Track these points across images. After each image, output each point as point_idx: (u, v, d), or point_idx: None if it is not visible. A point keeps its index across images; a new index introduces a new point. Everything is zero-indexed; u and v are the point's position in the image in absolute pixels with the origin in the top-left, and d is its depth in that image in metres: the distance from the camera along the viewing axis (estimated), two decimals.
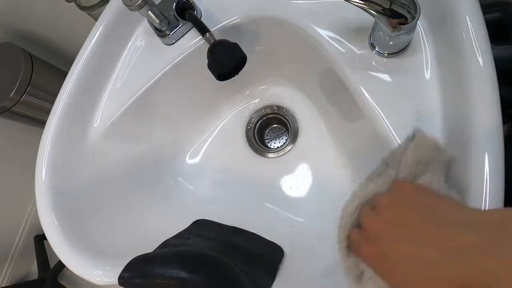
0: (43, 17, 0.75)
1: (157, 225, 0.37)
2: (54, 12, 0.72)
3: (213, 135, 0.47)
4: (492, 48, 0.25)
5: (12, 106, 0.76)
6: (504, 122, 0.23)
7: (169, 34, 0.36)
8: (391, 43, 0.28)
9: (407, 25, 0.24)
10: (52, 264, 0.96)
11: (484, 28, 0.25)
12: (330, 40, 0.32)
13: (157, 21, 0.35)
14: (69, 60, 0.37)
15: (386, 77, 0.29)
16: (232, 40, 0.39)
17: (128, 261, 0.28)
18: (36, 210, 0.31)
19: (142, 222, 0.37)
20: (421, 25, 0.30)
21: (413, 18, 0.24)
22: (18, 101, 0.76)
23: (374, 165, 0.33)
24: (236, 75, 0.33)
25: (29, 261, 1.03)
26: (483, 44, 0.25)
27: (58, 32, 0.80)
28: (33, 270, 1.04)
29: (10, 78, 0.74)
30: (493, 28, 0.26)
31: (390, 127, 0.28)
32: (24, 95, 0.76)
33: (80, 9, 0.50)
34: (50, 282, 0.92)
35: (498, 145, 0.22)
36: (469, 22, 0.25)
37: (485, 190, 0.21)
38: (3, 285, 0.96)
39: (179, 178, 0.45)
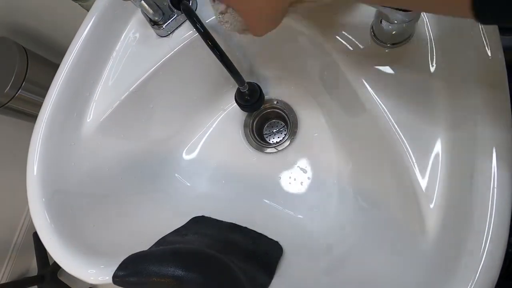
0: (36, 10, 0.73)
1: (152, 222, 0.36)
2: (47, 4, 0.71)
3: (210, 130, 0.46)
4: (501, 38, 0.24)
5: (8, 102, 0.75)
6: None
7: (164, 25, 0.35)
8: (394, 32, 0.27)
9: (411, 12, 0.23)
10: (51, 260, 0.96)
11: None
12: (331, 32, 0.31)
13: (151, 11, 0.34)
14: (64, 54, 0.36)
15: (388, 68, 0.28)
16: (230, 32, 0.37)
17: (123, 259, 0.28)
18: None
19: (138, 219, 0.36)
20: (425, 13, 0.28)
21: None
22: (14, 96, 0.75)
23: (376, 161, 0.32)
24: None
25: (28, 257, 1.04)
26: (492, 34, 0.24)
27: (52, 25, 0.78)
28: (32, 266, 1.04)
29: (5, 73, 0.73)
30: None
31: (393, 121, 0.27)
32: (20, 90, 0.75)
33: (73, 0, 0.48)
34: (50, 278, 0.92)
35: (507, 139, 0.21)
36: None
37: (492, 186, 0.20)
38: (3, 281, 0.96)
39: (176, 174, 0.44)
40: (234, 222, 0.38)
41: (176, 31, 0.36)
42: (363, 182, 0.36)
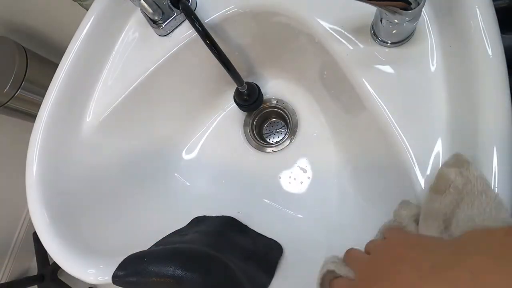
0: (36, 10, 0.73)
1: (152, 222, 0.36)
2: (46, 4, 0.71)
3: (210, 129, 0.46)
4: (501, 37, 0.24)
5: (7, 102, 0.75)
6: None
7: (163, 24, 0.35)
8: (394, 31, 0.27)
9: (411, 11, 0.23)
10: (51, 260, 0.96)
11: (493, 15, 0.24)
12: (331, 31, 0.31)
13: (150, 10, 0.33)
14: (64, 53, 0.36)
15: (388, 68, 0.28)
16: (229, 31, 0.37)
17: (123, 259, 0.28)
18: None
19: (137, 219, 0.36)
20: (426, 12, 0.28)
21: (418, 4, 0.23)
22: (13, 96, 0.75)
23: (376, 160, 0.32)
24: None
25: (28, 257, 1.04)
26: (492, 33, 0.23)
27: (52, 24, 0.78)
28: (32, 266, 1.04)
29: (4, 73, 0.73)
30: (502, 15, 0.25)
31: (393, 120, 0.27)
32: (19, 90, 0.75)
33: None
34: (50, 278, 0.92)
35: (508, 139, 0.21)
36: (477, 9, 0.24)
37: (493, 185, 0.20)
38: (3, 281, 0.96)
39: (175, 174, 0.44)
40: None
41: (176, 31, 0.36)
42: (363, 182, 0.36)
